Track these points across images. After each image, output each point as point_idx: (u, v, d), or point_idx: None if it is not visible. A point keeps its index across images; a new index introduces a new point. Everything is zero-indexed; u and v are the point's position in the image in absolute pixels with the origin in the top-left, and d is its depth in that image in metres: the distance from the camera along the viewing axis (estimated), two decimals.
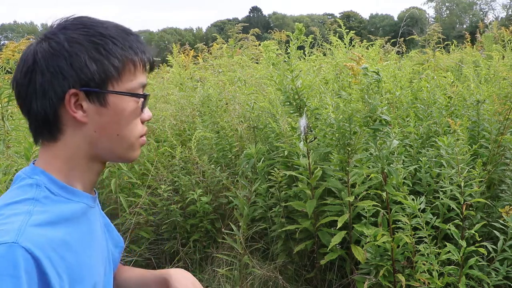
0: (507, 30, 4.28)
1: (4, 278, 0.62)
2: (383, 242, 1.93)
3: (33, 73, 0.78)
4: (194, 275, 1.05)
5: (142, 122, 0.87)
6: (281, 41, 5.24)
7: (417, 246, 1.91)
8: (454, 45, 5.48)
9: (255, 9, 75.01)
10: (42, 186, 0.79)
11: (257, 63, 4.81)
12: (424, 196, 1.94)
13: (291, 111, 2.32)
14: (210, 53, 5.46)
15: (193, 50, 5.31)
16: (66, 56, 0.77)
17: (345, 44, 3.77)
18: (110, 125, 0.82)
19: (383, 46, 5.05)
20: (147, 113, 0.88)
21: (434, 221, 1.90)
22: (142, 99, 0.85)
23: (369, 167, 2.21)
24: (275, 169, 2.50)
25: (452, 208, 2.06)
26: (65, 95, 0.78)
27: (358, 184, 2.20)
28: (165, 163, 2.99)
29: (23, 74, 0.79)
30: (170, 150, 2.97)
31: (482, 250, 1.82)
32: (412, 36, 5.31)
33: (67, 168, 0.83)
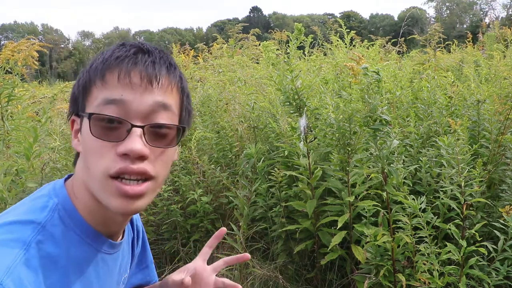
0: (510, 29, 4.28)
1: None
2: (384, 242, 1.93)
3: None
4: None
5: (120, 156, 0.66)
6: (281, 41, 5.24)
7: (418, 246, 1.91)
8: (455, 45, 5.48)
9: (255, 9, 75.05)
10: (57, 212, 0.70)
11: (257, 63, 4.81)
12: (424, 196, 1.94)
13: (291, 111, 2.31)
14: (211, 53, 5.46)
15: (193, 50, 5.31)
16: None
17: (345, 44, 3.77)
18: (83, 155, 0.71)
19: (384, 46, 5.05)
20: (127, 144, 0.66)
21: (435, 221, 1.90)
22: (102, 121, 0.66)
23: (369, 167, 2.20)
24: (275, 169, 2.50)
25: (453, 208, 2.06)
26: (69, 123, 0.76)
27: (358, 184, 2.19)
28: None
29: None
30: None
31: (482, 250, 1.81)
32: (413, 36, 5.31)
33: (87, 201, 0.72)
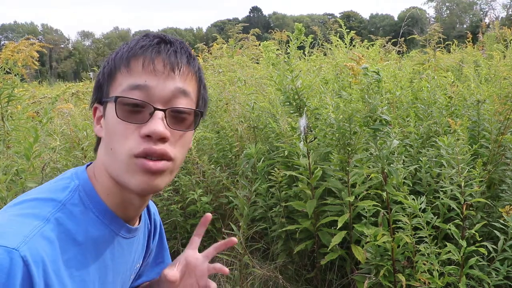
0: (510, 29, 4.28)
1: None
2: (384, 242, 1.93)
3: None
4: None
5: (143, 137, 0.71)
6: (281, 41, 5.24)
7: (418, 246, 1.91)
8: (455, 45, 5.48)
9: (255, 9, 75.06)
10: (77, 193, 0.74)
11: (257, 63, 4.81)
12: (424, 196, 1.94)
13: (291, 111, 2.31)
14: (210, 53, 5.46)
15: (193, 50, 5.31)
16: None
17: (345, 44, 3.77)
18: (106, 137, 0.75)
19: (384, 46, 5.05)
20: (150, 126, 0.70)
21: (435, 221, 1.90)
22: (127, 105, 0.71)
23: (369, 167, 2.20)
24: (275, 169, 2.50)
25: (453, 208, 2.05)
26: (92, 110, 0.80)
27: (358, 184, 2.19)
28: None
29: None
30: None
31: (482, 250, 1.81)
32: (413, 36, 5.31)
33: (106, 184, 0.76)
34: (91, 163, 0.82)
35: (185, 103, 0.75)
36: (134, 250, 0.86)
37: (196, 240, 0.95)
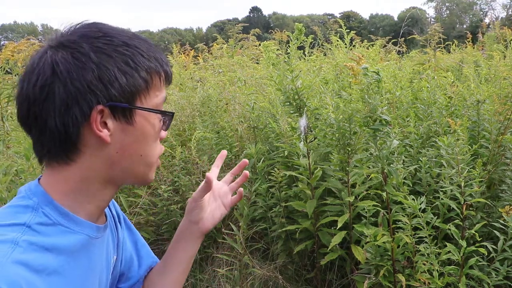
0: (510, 30, 4.28)
1: None
2: (383, 242, 1.93)
3: (52, 87, 0.68)
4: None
5: (160, 141, 0.82)
6: (281, 41, 5.24)
7: (417, 246, 1.91)
8: (455, 45, 5.48)
9: (255, 9, 75.09)
10: (39, 210, 0.71)
11: (257, 63, 4.81)
12: (424, 196, 1.94)
13: (291, 111, 2.31)
14: (211, 53, 5.47)
15: (193, 50, 5.31)
16: (94, 68, 0.69)
17: (345, 44, 3.77)
18: (134, 145, 0.75)
19: (385, 46, 5.05)
20: (164, 132, 0.83)
21: (434, 221, 1.90)
22: (168, 117, 0.82)
23: (369, 167, 2.20)
24: (275, 169, 2.50)
25: (452, 208, 2.05)
26: (91, 112, 0.69)
27: (358, 184, 2.19)
28: (165, 163, 2.99)
29: (38, 88, 0.68)
30: (170, 151, 2.97)
31: (482, 250, 1.81)
32: (413, 36, 5.31)
33: (74, 192, 0.74)
34: (41, 176, 0.77)
35: None
36: (105, 245, 0.86)
37: (214, 170, 1.05)
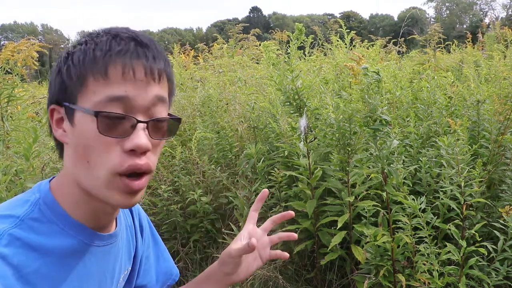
0: (510, 30, 4.28)
1: None
2: (383, 242, 1.93)
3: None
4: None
5: (126, 152, 0.67)
6: (281, 41, 5.24)
7: (417, 246, 1.91)
8: (455, 45, 5.48)
9: (255, 9, 75.09)
10: (37, 206, 0.71)
11: (257, 63, 4.81)
12: (424, 196, 1.94)
13: (291, 111, 2.31)
14: (211, 53, 5.47)
15: (193, 50, 5.31)
16: (55, 69, 0.72)
17: (345, 44, 3.77)
18: (80, 149, 0.69)
19: (385, 46, 5.05)
20: (134, 140, 0.67)
21: (434, 221, 1.90)
22: (108, 118, 0.66)
23: (369, 167, 2.20)
24: (275, 169, 2.49)
25: (452, 208, 2.05)
26: (48, 112, 0.73)
27: (358, 184, 2.19)
28: (165, 163, 2.99)
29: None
30: (170, 151, 2.97)
31: (482, 250, 1.81)
32: (413, 36, 5.31)
33: (71, 195, 0.73)
34: (54, 177, 0.78)
35: (163, 110, 0.72)
36: (114, 257, 0.83)
37: (254, 215, 0.98)
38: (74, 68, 0.68)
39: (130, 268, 0.93)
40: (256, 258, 0.96)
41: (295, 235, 0.95)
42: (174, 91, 0.80)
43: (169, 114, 0.75)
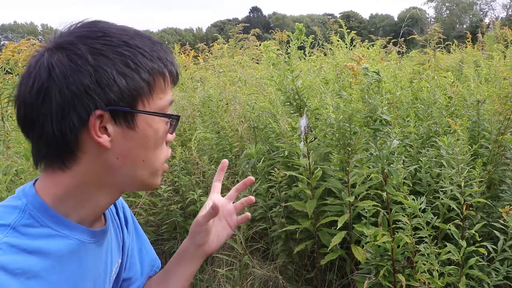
0: (510, 30, 4.28)
1: None
2: (383, 242, 1.93)
3: (48, 91, 0.65)
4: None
5: (167, 144, 0.79)
6: (281, 41, 5.24)
7: (417, 246, 1.91)
8: (455, 45, 5.48)
9: (255, 9, 75.07)
10: (27, 212, 0.68)
11: (257, 63, 4.81)
12: (424, 196, 1.94)
13: (292, 111, 2.31)
14: (211, 53, 5.47)
15: (193, 50, 5.31)
16: (91, 72, 0.65)
17: (346, 44, 3.77)
18: (136, 150, 0.71)
19: (385, 46, 5.05)
20: (172, 135, 0.79)
21: (435, 221, 1.90)
22: (174, 120, 0.77)
23: (369, 167, 2.20)
24: (275, 169, 2.50)
25: (452, 208, 2.06)
26: (89, 118, 0.66)
27: (358, 184, 2.19)
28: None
29: (34, 93, 0.66)
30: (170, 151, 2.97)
31: (482, 250, 1.82)
32: (413, 36, 5.31)
33: (67, 196, 0.71)
34: (37, 179, 0.75)
35: None
36: (105, 250, 0.82)
37: (217, 185, 1.01)
38: (136, 69, 0.69)
39: (120, 260, 0.93)
40: (225, 226, 0.99)
41: (253, 198, 0.98)
42: None
43: None
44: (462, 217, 2.03)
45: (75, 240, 0.72)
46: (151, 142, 0.73)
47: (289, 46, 2.23)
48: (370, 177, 2.18)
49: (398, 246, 1.94)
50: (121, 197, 0.98)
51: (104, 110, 0.67)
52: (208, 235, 0.95)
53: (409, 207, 1.86)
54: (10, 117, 2.53)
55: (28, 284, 0.63)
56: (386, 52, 4.96)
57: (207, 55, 5.47)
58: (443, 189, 2.16)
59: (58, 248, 0.69)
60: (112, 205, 0.95)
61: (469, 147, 2.18)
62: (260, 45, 4.21)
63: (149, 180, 0.76)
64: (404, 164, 2.24)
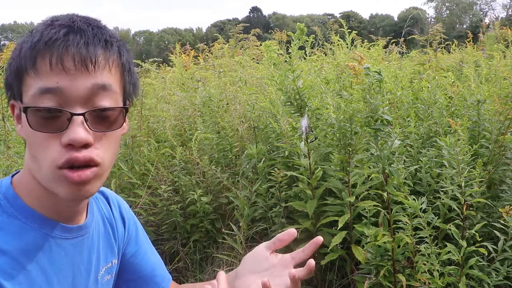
0: (511, 30, 4.28)
1: None
2: (384, 242, 1.93)
3: None
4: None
5: (65, 146, 0.66)
6: (281, 41, 5.24)
7: (418, 246, 1.91)
8: (455, 45, 5.48)
9: (255, 9, 75.05)
10: None
11: (257, 63, 4.80)
12: (425, 196, 1.94)
13: (292, 111, 2.31)
14: (211, 53, 5.46)
15: (193, 50, 5.31)
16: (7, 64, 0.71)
17: (347, 44, 3.77)
18: (28, 144, 0.70)
19: (386, 46, 5.05)
20: (70, 134, 0.65)
21: (435, 221, 1.90)
22: (40, 112, 0.65)
23: (370, 167, 2.20)
24: (276, 169, 2.49)
25: (453, 208, 2.06)
26: (11, 107, 0.73)
27: (358, 184, 2.19)
28: (166, 164, 2.99)
29: None
30: (171, 151, 2.96)
31: (482, 250, 1.82)
32: (413, 36, 5.31)
33: (32, 188, 0.72)
34: (19, 171, 0.77)
35: (107, 99, 0.69)
36: (87, 249, 0.81)
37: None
38: (13, 63, 0.68)
39: (116, 261, 0.91)
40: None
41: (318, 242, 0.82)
42: (132, 78, 0.76)
43: (125, 104, 0.74)
44: (462, 217, 2.03)
45: (42, 233, 0.72)
46: (29, 136, 0.69)
47: (290, 46, 2.23)
48: (370, 177, 2.18)
49: (399, 246, 1.94)
50: (118, 196, 0.97)
51: (12, 101, 0.71)
52: None
53: (410, 207, 1.86)
54: (10, 117, 2.53)
55: None
56: (386, 52, 4.96)
57: (207, 55, 5.47)
58: (443, 189, 2.16)
59: (25, 242, 0.69)
60: (106, 203, 0.93)
61: (470, 147, 2.18)
62: (260, 45, 4.21)
63: (50, 184, 0.68)
64: (404, 164, 2.24)
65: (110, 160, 0.72)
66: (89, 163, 0.67)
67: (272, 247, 0.89)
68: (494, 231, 2.04)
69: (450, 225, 1.96)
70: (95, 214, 0.86)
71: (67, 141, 0.65)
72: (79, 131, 0.65)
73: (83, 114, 0.66)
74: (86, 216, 0.82)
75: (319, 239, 0.82)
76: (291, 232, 0.86)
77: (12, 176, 0.76)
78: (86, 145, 0.66)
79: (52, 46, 0.64)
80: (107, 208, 0.93)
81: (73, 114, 0.65)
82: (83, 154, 0.66)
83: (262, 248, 0.88)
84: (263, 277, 0.75)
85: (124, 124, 0.75)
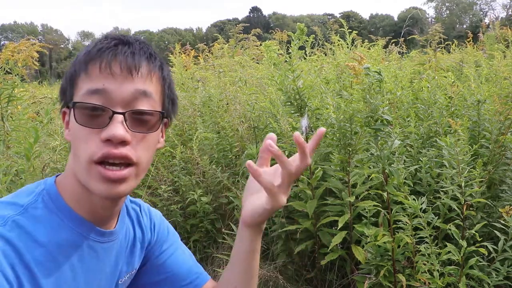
0: (511, 30, 4.28)
1: None
2: (384, 242, 1.93)
3: None
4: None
5: (103, 141, 0.71)
6: (281, 41, 5.23)
7: (418, 246, 1.91)
8: (455, 45, 5.48)
9: (255, 9, 75.04)
10: (41, 197, 0.75)
11: (257, 63, 4.80)
12: (425, 196, 1.94)
13: (292, 111, 2.31)
14: (211, 53, 5.46)
15: (193, 50, 5.31)
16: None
17: (347, 44, 3.77)
18: (72, 143, 0.75)
19: (385, 46, 5.05)
20: (110, 130, 0.70)
21: (435, 221, 1.90)
22: (86, 109, 0.71)
23: (370, 167, 2.20)
24: None
25: (453, 208, 2.06)
26: (63, 115, 0.79)
27: (358, 184, 2.19)
28: (166, 163, 2.98)
29: None
30: (171, 150, 2.96)
31: (482, 250, 1.82)
32: (413, 36, 5.31)
33: (72, 189, 0.77)
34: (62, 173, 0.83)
35: (146, 105, 0.74)
36: (115, 254, 0.85)
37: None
38: (69, 71, 0.76)
39: (135, 271, 0.93)
40: (259, 197, 0.85)
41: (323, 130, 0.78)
42: (171, 94, 0.82)
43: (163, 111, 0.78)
44: (462, 217, 2.03)
45: (77, 233, 0.76)
46: (73, 133, 0.75)
47: (290, 46, 2.23)
48: (370, 177, 2.18)
49: (399, 246, 1.94)
50: (152, 208, 0.99)
51: (64, 109, 0.78)
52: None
53: (410, 207, 1.86)
54: (10, 117, 2.53)
55: (26, 264, 0.68)
56: (386, 52, 4.96)
57: (207, 55, 5.47)
58: (443, 189, 2.16)
59: (60, 238, 0.73)
60: (138, 213, 0.95)
61: (470, 147, 2.18)
62: (260, 45, 4.21)
63: (86, 180, 0.73)
64: (404, 164, 2.24)
65: (146, 163, 0.76)
66: (124, 160, 0.71)
67: (263, 162, 0.89)
68: (494, 231, 2.04)
69: (450, 225, 1.96)
70: (125, 221, 0.90)
71: (106, 136, 0.70)
72: (118, 127, 0.70)
73: (123, 113, 0.72)
74: (117, 223, 0.86)
75: (322, 130, 0.79)
76: (269, 136, 0.84)
77: (57, 175, 0.81)
78: (123, 143, 0.71)
79: (103, 53, 0.72)
80: (137, 216, 0.95)
81: (114, 112, 0.71)
82: (119, 151, 0.70)
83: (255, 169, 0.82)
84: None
85: (161, 138, 0.82)
